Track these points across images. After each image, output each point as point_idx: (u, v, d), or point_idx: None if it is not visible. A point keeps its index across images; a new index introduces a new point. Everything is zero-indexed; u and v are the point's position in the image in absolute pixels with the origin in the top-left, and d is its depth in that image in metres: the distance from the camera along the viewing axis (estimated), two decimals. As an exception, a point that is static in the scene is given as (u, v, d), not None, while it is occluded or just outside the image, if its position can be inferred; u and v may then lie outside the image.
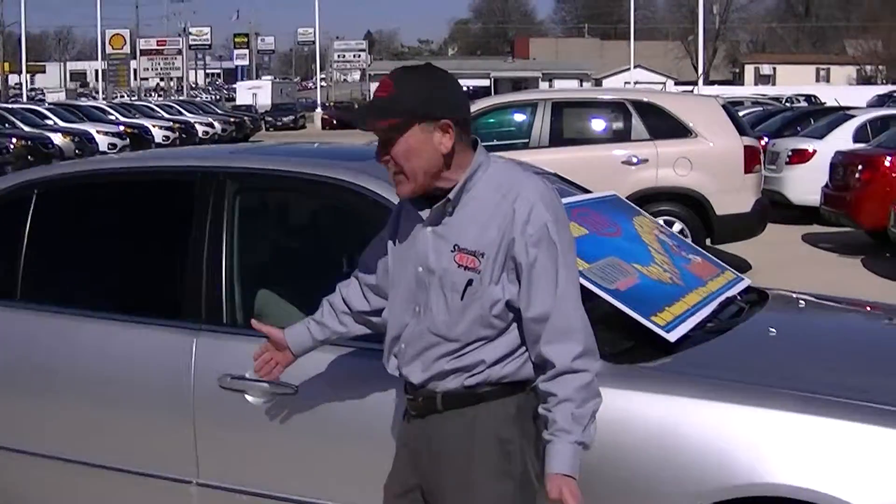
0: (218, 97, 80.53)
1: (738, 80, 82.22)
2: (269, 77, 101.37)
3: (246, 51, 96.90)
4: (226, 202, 4.06)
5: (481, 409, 2.98)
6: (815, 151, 16.65)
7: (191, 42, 77.05)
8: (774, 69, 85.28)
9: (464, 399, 2.99)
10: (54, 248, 4.50)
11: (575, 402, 2.86)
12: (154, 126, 35.34)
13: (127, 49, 66.69)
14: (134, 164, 4.61)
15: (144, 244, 4.35)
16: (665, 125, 12.15)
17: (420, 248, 3.00)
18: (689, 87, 17.03)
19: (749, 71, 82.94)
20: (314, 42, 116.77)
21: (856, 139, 16.70)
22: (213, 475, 3.93)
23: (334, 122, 62.59)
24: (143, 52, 67.09)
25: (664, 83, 75.29)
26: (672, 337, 3.69)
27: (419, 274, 3.01)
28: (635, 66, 76.47)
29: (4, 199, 4.58)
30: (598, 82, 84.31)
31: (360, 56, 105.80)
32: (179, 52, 67.85)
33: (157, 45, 68.48)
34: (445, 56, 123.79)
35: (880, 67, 78.92)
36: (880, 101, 42.34)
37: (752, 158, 12.09)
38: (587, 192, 4.95)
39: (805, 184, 16.10)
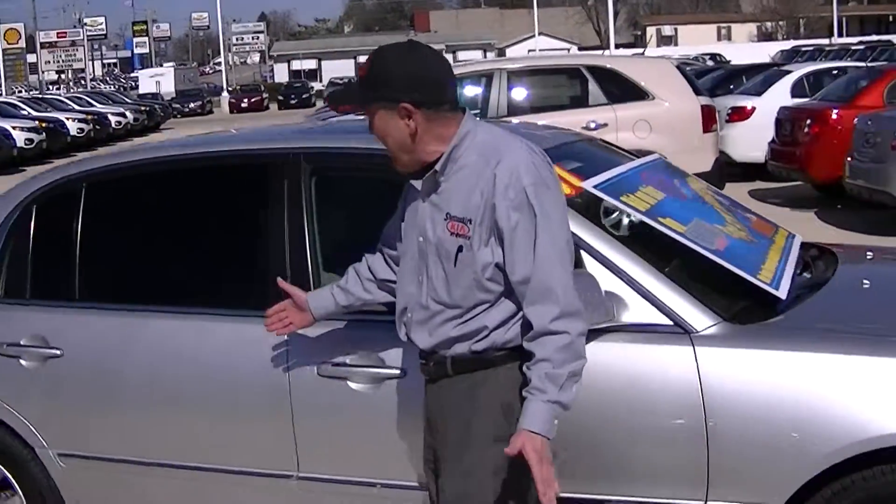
0: (120, 87, 78.97)
1: (640, 42, 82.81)
2: (170, 64, 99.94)
3: (145, 38, 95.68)
4: (303, 184, 3.94)
5: (490, 373, 3.04)
6: (754, 108, 16.82)
7: (87, 33, 75.62)
8: (676, 30, 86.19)
9: (473, 364, 3.06)
10: (114, 245, 4.35)
11: (552, 362, 2.88)
12: (68, 119, 34.68)
13: (22, 43, 65.17)
14: (194, 151, 4.42)
15: (218, 234, 4.20)
16: (622, 89, 12.19)
17: (420, 220, 3.09)
18: (639, 51, 17.08)
19: (650, 32, 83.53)
20: (208, 27, 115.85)
21: (793, 94, 16.92)
22: (313, 468, 3.82)
23: (241, 105, 62.12)
24: (44, 45, 65.66)
25: (568, 49, 75.80)
26: (782, 294, 3.68)
27: (420, 244, 3.10)
28: (539, 34, 76.85)
29: (48, 196, 4.42)
30: (501, 52, 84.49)
31: (258, 38, 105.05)
32: (79, 43, 66.51)
33: (58, 37, 67.07)
34: (342, 34, 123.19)
35: (780, 23, 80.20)
36: (788, 56, 43.02)
37: (709, 118, 12.21)
38: (632, 155, 4.89)
39: (746, 141, 16.27)
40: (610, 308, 3.42)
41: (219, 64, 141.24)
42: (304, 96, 64.86)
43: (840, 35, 65.81)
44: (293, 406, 3.78)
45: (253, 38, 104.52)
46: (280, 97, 65.12)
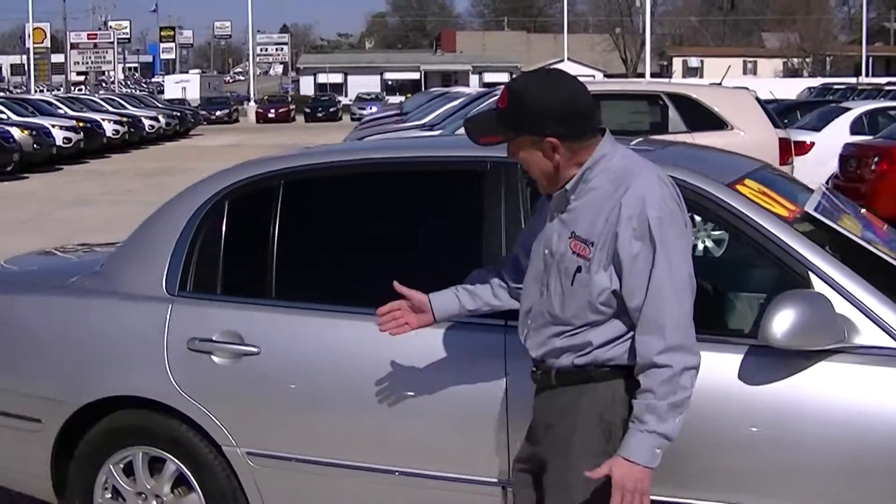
0: (147, 91, 79.18)
1: (665, 72, 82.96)
2: (196, 71, 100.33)
3: (171, 44, 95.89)
4: (520, 190, 3.93)
5: (589, 388, 3.12)
6: (813, 143, 16.82)
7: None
8: (702, 62, 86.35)
9: (574, 377, 3.14)
10: (311, 244, 4.33)
11: (654, 394, 2.94)
12: (104, 120, 34.71)
13: (48, 43, 65.45)
14: (401, 155, 4.44)
15: (420, 237, 4.21)
16: (701, 117, 12.18)
17: (548, 232, 3.17)
18: (717, 81, 17.25)
19: (677, 63, 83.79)
20: (230, 35, 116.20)
21: (852, 131, 16.95)
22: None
23: (268, 115, 62.25)
24: (74, 46, 65.86)
25: (593, 76, 75.87)
26: None
27: (545, 256, 3.18)
28: (563, 60, 77.00)
29: (242, 192, 4.40)
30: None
31: (282, 49, 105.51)
32: (111, 44, 66.73)
33: (88, 38, 67.31)
34: (364, 49, 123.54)
35: (806, 60, 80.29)
36: (819, 93, 43.03)
37: (785, 150, 12.19)
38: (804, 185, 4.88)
39: (806, 177, 16.20)
40: (842, 330, 3.41)
41: (239, 73, 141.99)
42: (330, 110, 64.99)
43: (867, 74, 65.83)
44: (509, 413, 3.73)
45: (277, 50, 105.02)
46: (307, 109, 65.23)
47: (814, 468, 3.48)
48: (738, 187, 3.93)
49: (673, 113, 12.28)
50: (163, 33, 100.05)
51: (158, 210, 4.61)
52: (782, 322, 3.36)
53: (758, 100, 12.61)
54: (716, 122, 12.14)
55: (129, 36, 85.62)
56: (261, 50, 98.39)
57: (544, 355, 3.20)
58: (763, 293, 3.90)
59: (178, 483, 4.37)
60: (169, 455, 4.32)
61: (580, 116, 3.06)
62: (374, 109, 61.15)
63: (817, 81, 56.40)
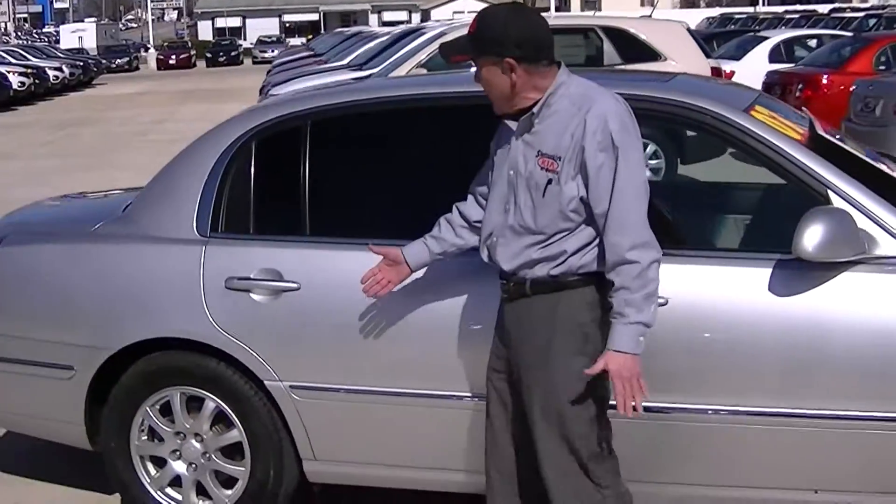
0: (41, 40, 77.21)
1: (564, 6, 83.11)
2: (91, 20, 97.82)
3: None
4: None
5: (564, 295, 3.47)
6: (733, 73, 17.13)
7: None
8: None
9: (549, 286, 3.48)
10: (343, 181, 4.42)
11: (629, 289, 3.31)
12: (10, 72, 33.92)
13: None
14: (427, 91, 4.55)
15: (450, 171, 4.25)
16: (635, 50, 12.41)
17: (512, 155, 3.50)
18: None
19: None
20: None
21: (771, 60, 17.34)
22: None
23: (169, 62, 61.29)
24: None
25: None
26: None
27: (510, 176, 3.51)
28: (463, -4, 76.66)
29: (269, 132, 4.48)
30: (426, 13, 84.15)
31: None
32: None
33: (-22, -12, 65.34)
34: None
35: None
36: (721, 23, 43.61)
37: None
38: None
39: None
40: (863, 243, 3.66)
41: (131, 21, 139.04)
42: (232, 54, 64.27)
43: (764, 3, 66.73)
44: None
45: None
46: (208, 54, 64.35)
47: (840, 370, 3.75)
48: (753, 113, 4.15)
49: (608, 46, 12.49)
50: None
51: (182, 153, 4.66)
52: (812, 236, 3.62)
53: (689, 30, 12.86)
54: (649, 54, 12.38)
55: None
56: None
57: (518, 267, 3.51)
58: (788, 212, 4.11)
59: (216, 420, 4.48)
60: (208, 393, 4.42)
61: (536, 43, 3.43)
62: (276, 52, 60.53)
63: (715, 12, 57.02)
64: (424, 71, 12.26)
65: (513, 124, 3.50)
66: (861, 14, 38.49)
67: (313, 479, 4.47)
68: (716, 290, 3.90)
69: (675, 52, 12.34)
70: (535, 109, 3.45)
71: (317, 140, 4.41)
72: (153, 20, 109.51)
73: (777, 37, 18.46)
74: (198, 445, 4.51)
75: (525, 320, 3.55)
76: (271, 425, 4.37)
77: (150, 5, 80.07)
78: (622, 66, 12.01)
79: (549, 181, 3.41)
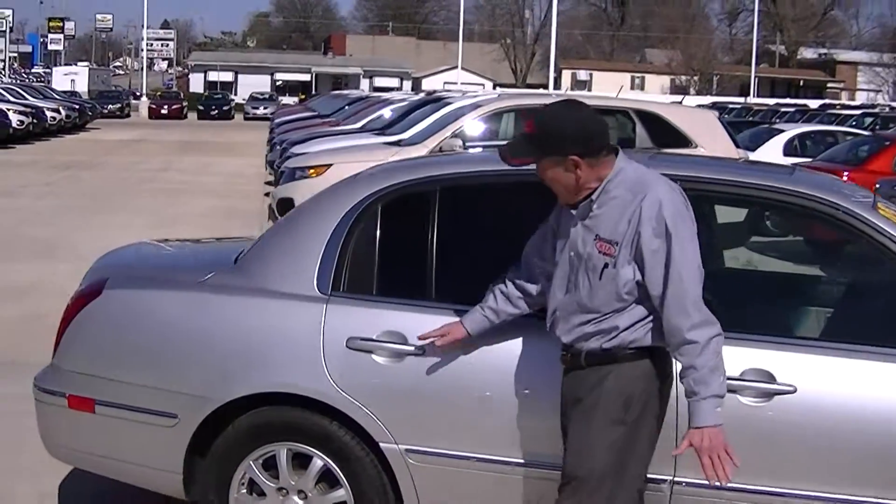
0: (32, 81, 77.27)
1: (555, 86, 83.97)
2: (84, 64, 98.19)
3: (60, 35, 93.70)
4: None
5: (615, 367, 3.67)
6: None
7: (-3, 25, 74.13)
8: (591, 75, 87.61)
9: (602, 358, 3.68)
10: (469, 249, 4.47)
11: (696, 367, 3.51)
12: (9, 110, 33.89)
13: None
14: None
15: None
16: (667, 135, 12.56)
17: (573, 238, 3.70)
18: (678, 98, 18.01)
19: (566, 76, 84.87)
20: (111, 29, 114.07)
21: (785, 153, 17.56)
22: (691, 473, 3.96)
23: (161, 111, 61.41)
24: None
25: (483, 85, 76.55)
26: None
27: (571, 258, 3.72)
28: (454, 68, 77.49)
29: (396, 196, 4.53)
30: (417, 81, 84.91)
31: (167, 45, 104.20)
32: None
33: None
34: (247, 48, 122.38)
35: (694, 78, 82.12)
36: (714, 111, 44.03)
37: (746, 169, 12.61)
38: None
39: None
40: None
41: (119, 67, 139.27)
42: (224, 108, 64.42)
43: (754, 95, 67.66)
44: (678, 417, 3.91)
45: (162, 45, 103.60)
46: (200, 107, 64.51)
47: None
48: (879, 209, 4.22)
49: (640, 129, 12.65)
50: (52, 24, 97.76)
51: (301, 211, 4.70)
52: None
53: (720, 120, 13.02)
54: (681, 140, 12.51)
55: (12, 25, 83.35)
56: (149, 45, 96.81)
57: (574, 340, 3.72)
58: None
59: (320, 479, 4.46)
60: (317, 451, 4.41)
61: (595, 136, 3.63)
62: (268, 110, 60.85)
63: (706, 100, 57.69)
64: (459, 141, 12.35)
65: (573, 210, 3.71)
66: (857, 112, 39.07)
67: (416, 541, 4.44)
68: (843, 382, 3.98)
69: (705, 139, 12.50)
70: (593, 196, 3.63)
71: (445, 206, 4.45)
72: (141, 69, 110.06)
73: (793, 131, 18.75)
74: (301, 503, 4.48)
75: (577, 389, 3.74)
76: (379, 487, 4.36)
77: (143, 53, 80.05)
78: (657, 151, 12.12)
79: (606, 265, 3.60)
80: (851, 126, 30.73)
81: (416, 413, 4.27)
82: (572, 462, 3.71)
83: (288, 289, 4.46)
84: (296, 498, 4.49)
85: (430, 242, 4.43)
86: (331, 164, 12.70)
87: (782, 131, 18.57)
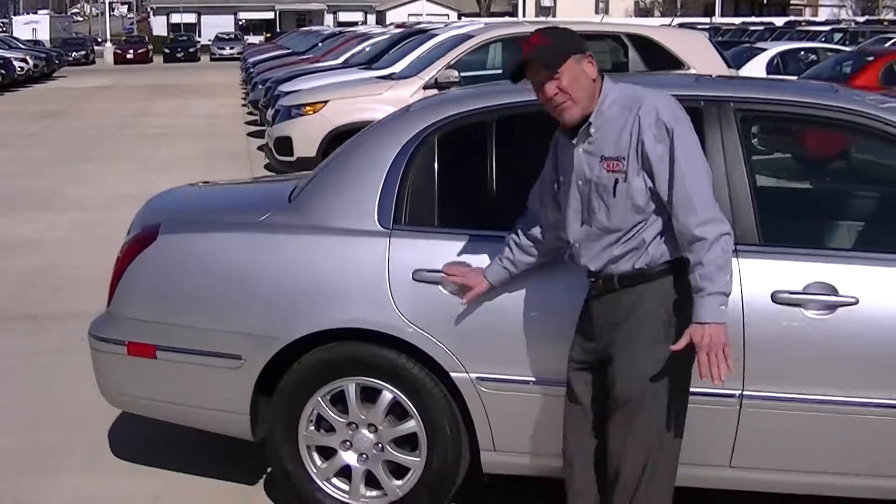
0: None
1: (516, 12, 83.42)
2: (45, 11, 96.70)
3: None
4: (735, 124, 4.27)
5: (648, 286, 3.72)
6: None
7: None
8: (555, 1, 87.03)
9: (635, 279, 3.73)
10: (523, 176, 4.46)
11: (703, 263, 3.55)
12: (-22, 62, 33.47)
13: None
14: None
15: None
16: (659, 58, 12.57)
17: (577, 167, 3.76)
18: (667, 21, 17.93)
19: (530, 3, 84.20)
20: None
21: (768, 72, 17.60)
22: (759, 387, 4.10)
23: (127, 56, 60.78)
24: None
25: (447, 16, 76.06)
26: None
27: (579, 186, 3.77)
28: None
29: (450, 128, 4.54)
30: (381, 14, 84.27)
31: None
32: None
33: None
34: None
35: (658, 0, 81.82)
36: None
37: (739, 88, 12.65)
38: None
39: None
40: None
41: (76, 13, 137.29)
42: (190, 50, 63.86)
43: (720, 15, 67.50)
44: (745, 330, 4.04)
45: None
46: (166, 50, 63.91)
47: None
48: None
49: (633, 53, 12.64)
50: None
51: (354, 147, 4.70)
52: None
53: (710, 40, 13.02)
54: (673, 62, 12.52)
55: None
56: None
57: (604, 265, 3.77)
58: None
59: (388, 411, 4.50)
60: (386, 384, 4.44)
61: None
62: (234, 50, 60.36)
63: (673, 21, 57.44)
64: (455, 72, 12.32)
65: (569, 139, 3.78)
66: (826, 28, 39.11)
67: (489, 469, 4.52)
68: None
69: (697, 60, 12.51)
70: (591, 119, 3.69)
71: (502, 136, 4.47)
72: (98, 14, 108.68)
73: (774, 49, 18.79)
74: (370, 436, 4.53)
75: (613, 313, 3.78)
76: (450, 416, 4.41)
77: (107, -1, 79.07)
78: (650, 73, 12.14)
79: (617, 181, 3.65)
80: (821, 42, 30.81)
81: (486, 341, 4.29)
82: (623, 385, 3.75)
83: (348, 224, 4.47)
84: (365, 431, 4.53)
85: (490, 172, 4.46)
86: (327, 101, 12.65)
87: (763, 50, 18.59)
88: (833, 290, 4.05)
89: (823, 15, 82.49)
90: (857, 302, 4.04)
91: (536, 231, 4.06)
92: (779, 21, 54.45)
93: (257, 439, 4.71)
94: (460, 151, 4.53)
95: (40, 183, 15.02)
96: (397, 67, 14.51)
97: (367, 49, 20.17)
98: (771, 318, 4.08)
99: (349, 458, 4.58)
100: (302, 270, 4.48)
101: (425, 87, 12.39)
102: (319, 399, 4.53)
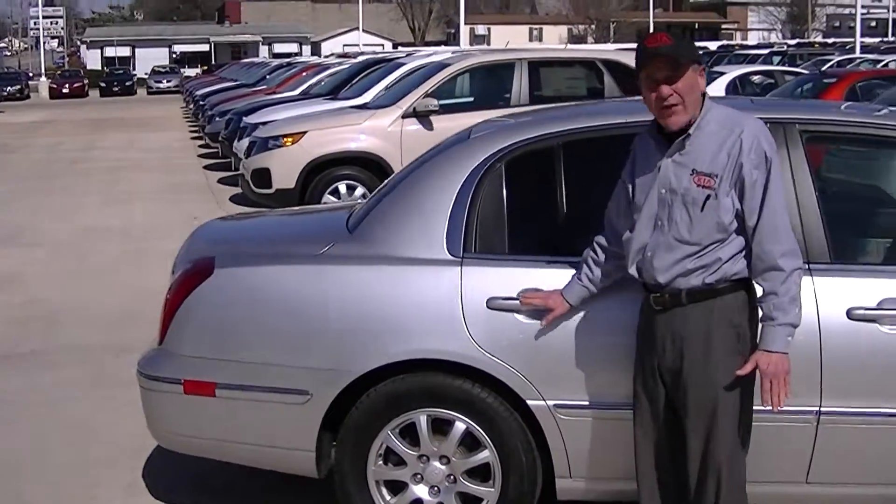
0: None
1: (452, 40, 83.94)
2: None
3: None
4: (801, 150, 4.35)
5: (718, 300, 3.76)
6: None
7: None
8: (489, 29, 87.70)
9: (704, 293, 3.76)
10: (593, 202, 4.45)
11: (777, 294, 3.65)
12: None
13: None
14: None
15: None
16: (634, 83, 12.61)
17: (663, 175, 3.77)
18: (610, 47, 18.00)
19: (464, 31, 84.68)
20: None
21: (728, 93, 17.85)
22: (836, 402, 4.14)
23: (62, 91, 60.18)
24: None
25: (382, 46, 76.22)
26: None
27: (662, 195, 3.78)
28: (355, 29, 76.93)
29: (518, 154, 4.53)
30: (316, 45, 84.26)
31: (57, 22, 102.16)
32: None
33: None
34: (139, 22, 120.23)
35: (591, 27, 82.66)
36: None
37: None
38: None
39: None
40: None
41: (5, 48, 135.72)
42: (126, 84, 63.28)
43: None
44: (822, 346, 4.10)
45: (51, 23, 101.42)
46: (102, 84, 63.28)
47: None
48: None
49: (608, 79, 12.71)
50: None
51: (420, 174, 4.65)
52: None
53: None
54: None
55: None
56: (34, 24, 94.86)
57: (673, 279, 3.77)
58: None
59: (461, 442, 4.44)
60: (458, 415, 4.39)
61: None
62: (171, 83, 60.03)
63: (609, 47, 58.08)
64: (434, 100, 12.32)
65: (661, 145, 3.80)
66: (765, 51, 39.84)
67: (563, 496, 4.48)
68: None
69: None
70: (690, 131, 3.73)
71: (569, 161, 4.46)
72: (30, 48, 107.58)
73: (733, 73, 19.05)
74: (442, 468, 4.47)
75: (682, 327, 3.80)
76: (525, 445, 4.37)
77: (41, 32, 78.16)
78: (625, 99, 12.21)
79: (708, 196, 3.68)
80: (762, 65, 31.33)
81: (563, 367, 4.26)
82: (697, 397, 3.79)
83: (417, 254, 4.43)
84: (437, 463, 4.47)
85: (559, 198, 4.45)
86: (305, 132, 12.58)
87: (722, 73, 18.85)
88: None
89: (753, 39, 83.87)
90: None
91: (615, 246, 4.05)
92: (712, 45, 55.40)
93: (322, 476, 4.62)
94: (527, 178, 4.51)
95: (9, 218, 14.78)
96: (367, 97, 14.50)
97: (325, 80, 20.14)
98: (848, 334, 4.11)
99: (420, 491, 4.52)
100: (371, 302, 4.41)
101: (404, 116, 12.38)
102: (389, 432, 4.46)
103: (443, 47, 45.34)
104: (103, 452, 5.93)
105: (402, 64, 15.76)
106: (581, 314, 4.23)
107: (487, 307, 4.28)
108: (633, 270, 3.91)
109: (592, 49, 16.83)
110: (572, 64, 13.28)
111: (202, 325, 4.65)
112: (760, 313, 3.76)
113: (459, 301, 4.31)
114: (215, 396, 4.60)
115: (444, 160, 4.62)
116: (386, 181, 5.10)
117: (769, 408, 3.77)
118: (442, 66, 13.05)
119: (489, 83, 13.00)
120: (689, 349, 3.78)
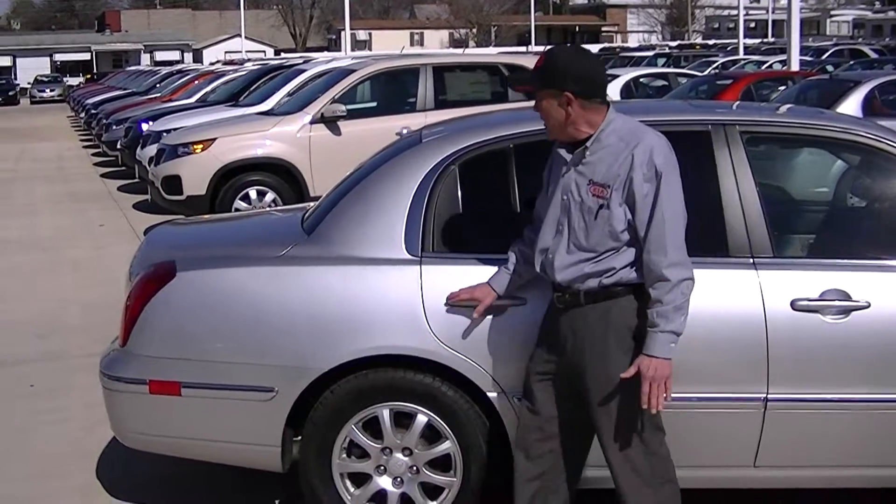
0: None
1: (334, 46, 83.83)
2: None
3: None
4: (742, 146, 4.60)
5: (614, 303, 3.97)
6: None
7: None
8: (370, 34, 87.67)
9: (601, 295, 3.98)
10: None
11: (662, 302, 3.83)
12: None
13: None
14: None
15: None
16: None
17: (566, 183, 3.99)
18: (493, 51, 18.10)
19: (345, 37, 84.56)
20: None
21: (622, 96, 18.27)
22: (782, 390, 4.40)
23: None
24: None
25: (264, 52, 75.82)
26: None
27: (564, 201, 3.99)
28: (237, 36, 76.33)
29: (471, 156, 4.73)
30: (198, 53, 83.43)
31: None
32: None
33: None
34: (16, 31, 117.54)
35: (472, 31, 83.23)
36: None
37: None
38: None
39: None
40: None
41: None
42: (9, 93, 61.94)
43: (535, 44, 69.15)
44: (769, 336, 4.37)
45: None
46: (-17, 94, 61.81)
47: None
48: None
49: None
50: None
51: (374, 179, 4.79)
52: None
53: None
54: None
55: None
56: None
57: (571, 280, 3.99)
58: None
59: (423, 434, 4.63)
60: (420, 408, 4.58)
61: (592, 83, 3.92)
62: (54, 92, 58.98)
63: (491, 51, 58.65)
64: (342, 106, 12.46)
65: (566, 155, 3.99)
66: (650, 53, 40.64)
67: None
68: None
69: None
70: (588, 143, 3.91)
71: (520, 163, 4.68)
72: None
73: (627, 75, 19.46)
74: (405, 459, 4.65)
75: (580, 327, 4.02)
76: (484, 436, 4.58)
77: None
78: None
79: (601, 206, 3.88)
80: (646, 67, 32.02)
81: (522, 360, 4.42)
82: (598, 392, 4.00)
83: (376, 254, 4.59)
84: (400, 455, 4.65)
85: (512, 198, 4.68)
86: (215, 139, 12.62)
87: (616, 76, 19.23)
88: (846, 296, 4.38)
89: (633, 41, 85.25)
90: (868, 306, 4.38)
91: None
92: (594, 48, 56.18)
93: (285, 470, 4.77)
94: (481, 179, 4.73)
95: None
96: (269, 104, 14.59)
97: (220, 88, 20.12)
98: (792, 324, 4.40)
99: (384, 482, 4.69)
100: (334, 301, 4.57)
101: (312, 122, 12.49)
102: (353, 426, 4.63)
103: (342, 53, 45.29)
104: (50, 458, 5.97)
105: (303, 70, 15.86)
106: (537, 307, 4.41)
107: (446, 304, 4.47)
108: (538, 269, 4.14)
109: (486, 53, 17.10)
110: (476, 69, 13.51)
111: (166, 326, 4.75)
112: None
113: (420, 299, 4.49)
114: (181, 396, 4.72)
115: (399, 163, 4.80)
116: (337, 184, 5.25)
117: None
118: (347, 71, 13.19)
119: (395, 88, 13.17)
120: (588, 347, 3.99)
